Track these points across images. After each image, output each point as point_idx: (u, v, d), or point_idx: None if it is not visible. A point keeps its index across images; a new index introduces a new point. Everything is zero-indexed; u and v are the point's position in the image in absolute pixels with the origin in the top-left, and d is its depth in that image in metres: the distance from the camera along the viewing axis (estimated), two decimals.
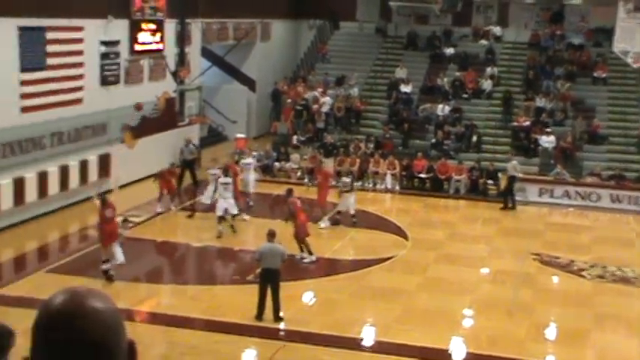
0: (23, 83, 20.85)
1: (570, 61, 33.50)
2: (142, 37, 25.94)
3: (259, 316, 15.11)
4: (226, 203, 20.66)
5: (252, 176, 23.87)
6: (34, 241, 20.40)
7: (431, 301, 17.05)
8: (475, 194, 26.53)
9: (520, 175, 25.95)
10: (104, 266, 17.21)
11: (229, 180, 21.14)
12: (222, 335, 14.73)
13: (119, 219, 17.96)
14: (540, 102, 31.35)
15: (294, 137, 30.32)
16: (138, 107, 18.55)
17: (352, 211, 22.18)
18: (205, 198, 22.57)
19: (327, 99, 31.71)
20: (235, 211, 20.86)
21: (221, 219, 20.43)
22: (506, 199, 25.17)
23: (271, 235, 15.41)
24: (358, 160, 27.92)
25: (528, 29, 36.24)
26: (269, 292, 15.06)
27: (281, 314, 15.15)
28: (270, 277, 15.06)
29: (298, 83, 33.88)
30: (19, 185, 20.74)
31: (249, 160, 24.63)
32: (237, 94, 34.52)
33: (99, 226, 17.92)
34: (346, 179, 22.50)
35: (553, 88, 32.28)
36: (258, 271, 15.57)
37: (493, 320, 15.96)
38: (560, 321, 16.27)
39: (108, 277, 17.05)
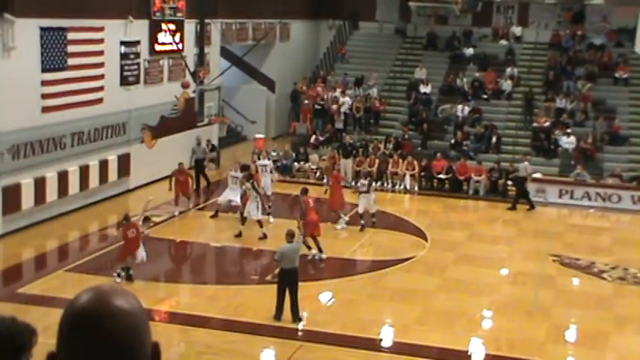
0: (44, 83, 20.98)
1: (591, 62, 33.27)
2: (162, 37, 26.02)
3: (278, 316, 15.10)
4: (232, 194, 20.91)
5: (268, 179, 23.77)
6: (54, 240, 20.53)
7: (450, 302, 16.98)
8: (494, 195, 26.40)
9: (535, 175, 25.82)
10: (118, 270, 17.29)
11: (239, 174, 21.29)
12: (240, 335, 14.75)
13: (139, 217, 18.01)
14: (561, 103, 31.15)
15: (313, 137, 30.31)
16: (185, 85, 18.92)
17: (372, 211, 22.06)
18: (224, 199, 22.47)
19: (346, 99, 31.68)
20: (257, 215, 20.48)
21: (244, 219, 20.41)
22: (516, 200, 25.00)
23: (290, 236, 15.41)
24: (377, 161, 27.86)
25: (549, 29, 36.02)
26: (287, 292, 15.05)
27: (300, 314, 15.14)
28: (289, 278, 15.05)
29: (317, 84, 33.87)
30: (40, 184, 20.88)
31: (266, 162, 24.58)
32: (256, 95, 34.57)
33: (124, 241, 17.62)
34: (364, 181, 22.37)
35: (574, 88, 32.07)
36: (277, 271, 15.55)
37: (513, 322, 15.87)
38: (581, 323, 16.16)
39: (128, 276, 17.11)
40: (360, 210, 22.04)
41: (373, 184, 23.11)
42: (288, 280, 15.06)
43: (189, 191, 23.33)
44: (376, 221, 22.14)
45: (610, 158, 28.60)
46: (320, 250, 19.00)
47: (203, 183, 26.04)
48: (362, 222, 21.78)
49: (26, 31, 20.12)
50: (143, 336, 2.04)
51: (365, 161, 27.56)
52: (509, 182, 26.17)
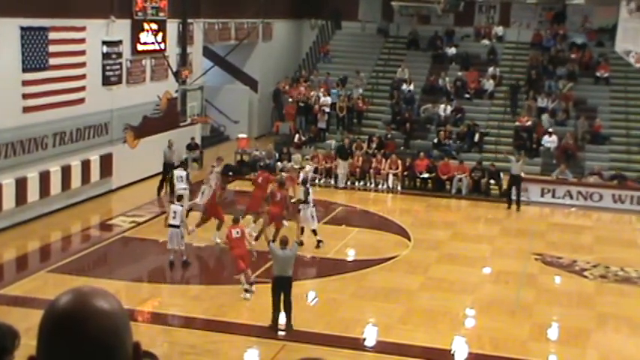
0: (25, 83, 20.84)
1: (572, 61, 33.48)
2: (144, 37, 25.93)
3: (275, 325, 14.82)
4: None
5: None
6: (35, 241, 20.40)
7: (433, 301, 17.03)
8: (477, 194, 26.51)
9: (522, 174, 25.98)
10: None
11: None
12: (223, 335, 14.73)
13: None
14: (542, 102, 31.33)
15: (297, 137, 30.30)
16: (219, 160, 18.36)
17: (312, 227, 19.95)
18: None
19: (327, 99, 31.70)
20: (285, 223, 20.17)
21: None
22: (510, 198, 25.14)
23: (284, 243, 15.04)
24: (360, 160, 27.89)
25: (530, 29, 36.23)
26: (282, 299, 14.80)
27: (291, 323, 14.92)
28: (283, 285, 14.76)
29: (300, 83, 33.88)
30: (21, 185, 20.74)
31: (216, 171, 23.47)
32: (239, 94, 34.53)
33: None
34: (302, 187, 20.77)
35: (555, 88, 32.27)
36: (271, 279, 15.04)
37: (495, 320, 15.95)
38: (563, 321, 16.26)
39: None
40: (301, 223, 20.08)
41: (311, 192, 20.66)
42: (282, 288, 14.74)
43: (222, 219, 20.01)
44: (322, 241, 19.97)
45: (591, 157, 28.80)
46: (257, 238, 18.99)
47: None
48: (317, 238, 19.89)
49: (6, 31, 19.99)
50: (123, 336, 2.04)
51: (385, 163, 27.35)
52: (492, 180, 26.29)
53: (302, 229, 19.74)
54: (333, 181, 27.46)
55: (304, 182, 21.19)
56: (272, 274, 15.11)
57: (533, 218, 24.79)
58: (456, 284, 18.06)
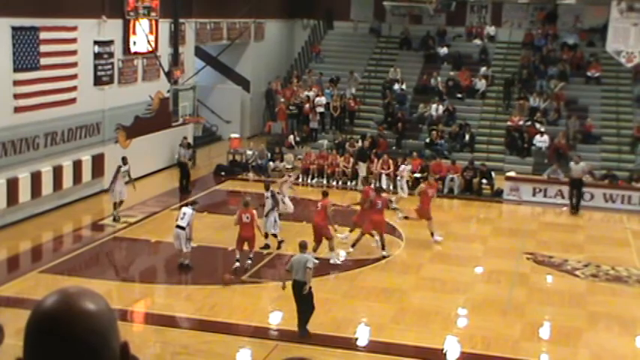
0: (16, 83, 20.78)
1: (564, 61, 33.57)
2: (136, 37, 25.89)
3: (304, 332, 14.67)
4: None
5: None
6: (27, 242, 20.35)
7: (425, 300, 17.06)
8: (469, 194, 26.55)
9: (509, 174, 26.04)
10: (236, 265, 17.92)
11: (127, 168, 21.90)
12: (216, 335, 14.72)
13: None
14: (534, 101, 31.41)
15: (291, 137, 30.28)
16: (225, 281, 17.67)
17: (273, 231, 19.87)
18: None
19: (322, 99, 31.73)
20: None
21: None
22: (578, 202, 24.97)
23: (302, 247, 15.05)
24: (352, 160, 27.91)
25: (522, 29, 36.31)
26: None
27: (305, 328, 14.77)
28: (297, 289, 14.63)
29: (292, 83, 33.89)
30: (12, 185, 20.69)
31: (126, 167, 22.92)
32: (231, 94, 34.50)
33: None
34: (267, 193, 20.22)
35: (546, 87, 32.35)
36: (289, 282, 14.83)
37: (487, 320, 15.98)
38: (554, 320, 16.30)
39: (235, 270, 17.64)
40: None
41: (278, 197, 20.69)
42: (296, 291, 14.62)
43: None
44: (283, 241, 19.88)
45: (583, 157, 28.77)
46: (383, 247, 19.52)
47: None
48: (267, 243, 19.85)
49: None
50: (109, 337, 2.03)
51: (377, 163, 27.32)
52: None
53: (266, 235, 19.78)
54: (330, 182, 27.43)
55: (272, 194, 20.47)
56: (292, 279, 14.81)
57: (524, 217, 24.84)
58: (448, 284, 18.09)
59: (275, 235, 19.85)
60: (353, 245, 19.72)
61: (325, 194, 19.95)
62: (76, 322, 1.99)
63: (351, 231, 20.40)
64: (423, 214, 21.30)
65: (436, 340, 14.81)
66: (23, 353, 2.04)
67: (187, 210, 18.31)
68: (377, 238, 19.91)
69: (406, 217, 22.52)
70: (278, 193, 21.46)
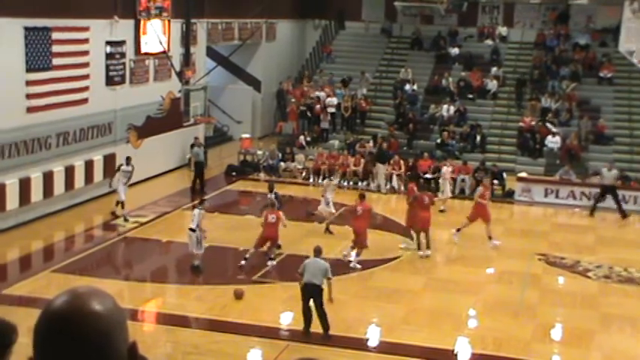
0: (29, 83, 20.86)
1: (576, 61, 33.45)
2: (148, 37, 25.94)
3: (307, 331, 14.64)
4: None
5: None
6: (39, 241, 20.42)
7: (436, 301, 17.02)
8: None
9: (521, 174, 25.96)
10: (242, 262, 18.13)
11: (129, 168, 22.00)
12: (227, 335, 14.72)
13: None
14: (546, 102, 31.31)
15: (302, 137, 30.30)
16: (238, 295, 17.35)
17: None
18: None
19: (333, 99, 31.73)
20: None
21: None
22: (620, 207, 24.68)
23: (317, 252, 15.05)
24: (362, 160, 27.89)
25: (534, 29, 36.20)
26: (313, 307, 14.58)
27: (328, 326, 14.64)
28: (310, 292, 14.49)
29: (303, 83, 33.90)
30: (24, 185, 20.77)
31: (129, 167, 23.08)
32: (242, 94, 34.52)
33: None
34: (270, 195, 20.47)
35: (558, 88, 32.24)
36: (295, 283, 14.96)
37: (499, 321, 15.92)
38: (567, 322, 16.23)
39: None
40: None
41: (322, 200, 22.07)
42: (310, 295, 14.50)
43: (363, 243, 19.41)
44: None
45: (595, 157, 28.76)
46: (420, 247, 19.65)
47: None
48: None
49: (10, 31, 20.00)
50: (116, 337, 2.04)
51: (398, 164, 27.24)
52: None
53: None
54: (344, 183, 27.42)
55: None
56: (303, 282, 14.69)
57: (536, 219, 24.76)
58: (459, 284, 18.04)
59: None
60: (419, 248, 19.69)
61: (362, 197, 19.69)
62: (85, 322, 2.00)
63: (411, 237, 20.20)
64: (483, 216, 20.90)
65: (447, 341, 14.76)
66: (33, 352, 2.04)
67: (195, 211, 18.38)
68: (419, 238, 19.84)
69: (458, 230, 21.46)
70: (322, 196, 21.88)
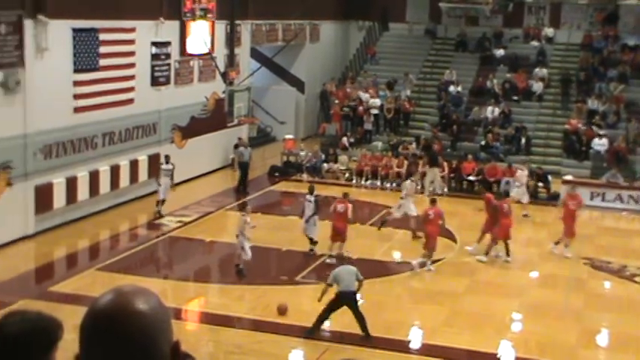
0: (76, 84, 21.17)
1: (624, 63, 32.91)
2: (192, 38, 26.14)
3: (312, 332, 14.62)
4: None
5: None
6: (85, 240, 20.71)
7: (479, 304, 16.88)
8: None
9: (567, 177, 25.62)
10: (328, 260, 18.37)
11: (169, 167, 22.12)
12: (268, 335, 14.77)
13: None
14: (593, 104, 30.86)
15: (344, 139, 30.28)
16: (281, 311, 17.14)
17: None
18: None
19: (376, 101, 31.67)
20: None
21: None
22: None
23: (342, 258, 15.11)
24: (406, 162, 27.77)
25: (581, 30, 35.69)
26: (352, 314, 14.56)
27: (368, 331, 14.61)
28: (347, 299, 14.46)
29: (347, 84, 33.88)
30: (71, 184, 21.07)
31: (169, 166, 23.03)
32: (285, 95, 34.63)
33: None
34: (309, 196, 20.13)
35: (606, 90, 31.76)
36: (326, 290, 14.81)
37: (543, 325, 15.74)
38: (612, 327, 15.98)
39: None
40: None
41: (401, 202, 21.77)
42: (345, 302, 14.42)
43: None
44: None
45: None
46: (508, 254, 19.40)
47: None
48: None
49: (59, 33, 20.31)
50: (159, 336, 2.05)
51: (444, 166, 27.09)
52: None
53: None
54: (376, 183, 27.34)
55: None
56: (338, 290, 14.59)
57: (582, 222, 24.35)
58: (502, 287, 17.88)
59: (312, 240, 19.57)
60: (486, 253, 19.53)
61: (434, 201, 19.58)
62: (129, 320, 2.02)
63: (478, 241, 20.04)
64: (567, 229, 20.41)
65: (490, 345, 14.64)
66: (79, 350, 2.07)
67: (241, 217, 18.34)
68: (507, 246, 19.66)
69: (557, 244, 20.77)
70: (402, 198, 21.62)
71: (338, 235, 18.80)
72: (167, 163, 22.59)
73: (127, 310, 2.03)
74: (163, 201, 22.32)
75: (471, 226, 23.21)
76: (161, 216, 22.23)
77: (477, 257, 19.59)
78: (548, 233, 22.76)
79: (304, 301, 16.60)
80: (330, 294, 14.59)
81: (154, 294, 2.12)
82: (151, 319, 2.04)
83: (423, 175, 27.17)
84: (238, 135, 28.33)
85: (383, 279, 18.31)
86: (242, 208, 19.17)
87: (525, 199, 24.60)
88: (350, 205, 19.05)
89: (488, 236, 19.82)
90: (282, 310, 15.48)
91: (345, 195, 19.63)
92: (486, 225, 20.10)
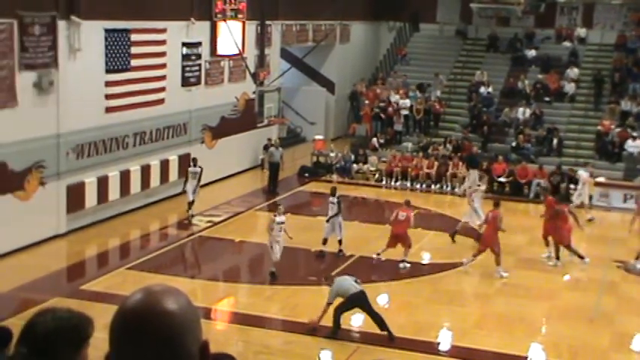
0: (108, 84, 21.35)
1: None
2: (223, 38, 26.23)
3: (334, 333, 14.63)
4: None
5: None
6: (116, 239, 20.88)
7: (509, 306, 16.76)
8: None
9: (599, 179, 25.33)
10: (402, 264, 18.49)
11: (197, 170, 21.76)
12: (297, 336, 14.77)
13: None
14: (626, 105, 30.49)
15: (374, 139, 30.22)
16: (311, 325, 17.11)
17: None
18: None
19: (406, 102, 31.56)
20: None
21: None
22: None
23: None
24: (436, 163, 27.65)
25: (614, 31, 35.28)
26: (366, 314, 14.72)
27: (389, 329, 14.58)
28: (358, 300, 14.50)
29: (377, 85, 33.81)
30: (102, 183, 21.25)
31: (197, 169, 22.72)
32: (315, 96, 34.64)
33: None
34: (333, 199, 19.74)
35: None
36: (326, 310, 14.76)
37: (574, 329, 15.57)
38: None
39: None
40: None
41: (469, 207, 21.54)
42: (354, 304, 14.55)
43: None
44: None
45: None
46: (581, 257, 19.32)
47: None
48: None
49: (91, 33, 20.50)
50: (187, 336, 2.06)
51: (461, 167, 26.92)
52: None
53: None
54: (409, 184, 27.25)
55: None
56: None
57: (614, 225, 24.12)
58: (532, 290, 17.72)
59: (339, 242, 19.53)
60: (557, 258, 19.39)
61: (497, 204, 19.33)
62: (159, 320, 2.02)
63: (547, 244, 19.85)
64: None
65: (520, 347, 14.52)
66: (110, 348, 2.08)
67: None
68: (551, 248, 19.60)
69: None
70: (469, 204, 21.58)
71: (396, 242, 18.67)
72: (195, 165, 22.47)
73: (157, 309, 2.04)
74: (192, 202, 22.34)
75: (506, 229, 23.03)
76: (192, 216, 22.25)
77: (549, 263, 19.37)
78: (580, 236, 22.51)
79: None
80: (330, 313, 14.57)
81: (183, 294, 2.12)
82: (180, 318, 2.05)
83: (454, 176, 27.02)
84: (268, 135, 28.39)
85: (412, 280, 18.25)
86: (276, 209, 19.11)
87: (586, 201, 24.27)
88: (412, 213, 18.97)
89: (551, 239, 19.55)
90: (311, 327, 14.95)
91: (407, 202, 19.46)
92: (546, 229, 19.78)
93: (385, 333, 14.43)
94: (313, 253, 19.29)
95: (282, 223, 17.94)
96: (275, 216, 18.19)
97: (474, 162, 26.64)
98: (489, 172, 26.90)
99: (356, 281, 14.75)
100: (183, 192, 22.52)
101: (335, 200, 19.58)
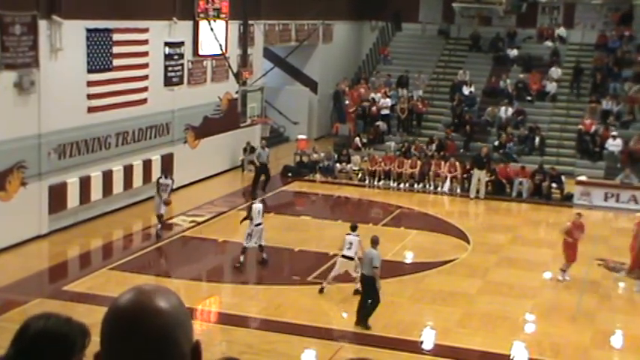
0: (90, 84, 21.24)
1: (639, 63, 32.71)
2: (206, 38, 26.16)
3: (363, 322, 15.09)
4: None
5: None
6: (98, 239, 20.79)
7: (492, 305, 16.83)
8: (538, 198, 26.09)
9: (580, 178, 25.45)
10: None
11: (168, 181, 20.78)
12: (281, 335, 14.77)
13: None
14: (607, 104, 30.71)
15: (357, 139, 30.26)
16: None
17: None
18: None
19: (386, 101, 31.62)
20: None
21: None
22: None
23: (374, 242, 15.26)
24: (419, 162, 27.72)
25: (595, 30, 35.51)
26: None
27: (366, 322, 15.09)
28: (362, 282, 15.29)
29: (360, 85, 33.86)
30: (85, 184, 21.15)
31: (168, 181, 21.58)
32: (298, 96, 34.65)
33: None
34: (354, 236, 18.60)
35: (620, 90, 31.60)
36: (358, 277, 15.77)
37: (556, 326, 15.68)
38: (627, 329, 15.89)
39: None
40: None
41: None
42: (363, 285, 15.29)
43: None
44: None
45: None
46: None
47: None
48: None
49: (73, 33, 20.38)
50: (178, 336, 2.06)
51: (444, 166, 26.94)
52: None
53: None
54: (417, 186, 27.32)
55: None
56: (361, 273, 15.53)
57: (596, 223, 24.26)
58: (515, 288, 17.82)
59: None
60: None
61: (579, 215, 19.29)
62: (150, 319, 2.02)
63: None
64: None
65: (503, 346, 14.59)
66: (100, 348, 2.07)
67: (354, 239, 16.45)
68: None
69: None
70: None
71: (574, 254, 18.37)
72: (166, 177, 21.16)
73: (148, 308, 2.04)
74: (161, 216, 21.03)
75: (484, 226, 23.18)
76: (162, 229, 20.96)
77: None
78: (561, 234, 22.65)
79: (316, 301, 16.58)
80: None
81: (174, 293, 2.13)
82: (171, 318, 2.05)
83: (436, 175, 27.11)
84: (251, 135, 28.34)
85: (395, 279, 18.27)
86: (253, 198, 19.15)
87: None
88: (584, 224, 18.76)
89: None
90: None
91: (579, 215, 19.16)
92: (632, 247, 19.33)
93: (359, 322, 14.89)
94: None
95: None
96: (253, 203, 18.32)
97: (480, 163, 26.57)
98: (495, 172, 26.77)
99: (373, 264, 14.98)
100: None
101: (356, 239, 16.55)
